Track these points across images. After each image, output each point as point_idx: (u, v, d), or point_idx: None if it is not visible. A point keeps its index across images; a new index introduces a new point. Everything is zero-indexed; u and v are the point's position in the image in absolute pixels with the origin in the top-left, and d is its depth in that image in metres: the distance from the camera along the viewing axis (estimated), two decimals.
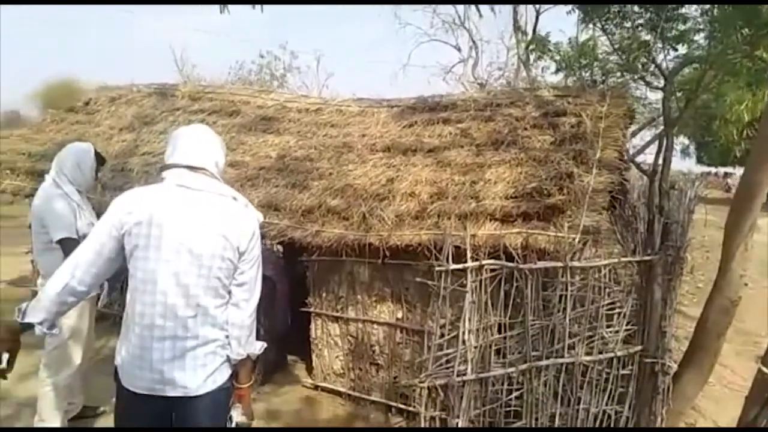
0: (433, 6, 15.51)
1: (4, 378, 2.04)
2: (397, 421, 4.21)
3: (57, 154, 3.52)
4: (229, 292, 2.07)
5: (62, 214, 3.29)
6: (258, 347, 2.18)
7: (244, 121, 5.93)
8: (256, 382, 4.49)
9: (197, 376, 2.00)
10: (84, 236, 3.32)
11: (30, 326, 1.99)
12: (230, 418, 2.12)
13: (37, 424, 3.48)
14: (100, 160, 3.62)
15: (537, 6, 11.20)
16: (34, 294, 3.14)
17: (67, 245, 3.24)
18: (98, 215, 3.56)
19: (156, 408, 1.99)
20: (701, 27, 4.41)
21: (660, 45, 4.49)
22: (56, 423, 3.46)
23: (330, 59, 20.30)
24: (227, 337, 2.07)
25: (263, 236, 4.21)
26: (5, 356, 1.99)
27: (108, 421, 3.85)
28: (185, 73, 14.84)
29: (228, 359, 2.09)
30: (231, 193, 2.11)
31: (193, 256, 1.97)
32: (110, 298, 5.81)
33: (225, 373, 2.09)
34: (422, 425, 3.19)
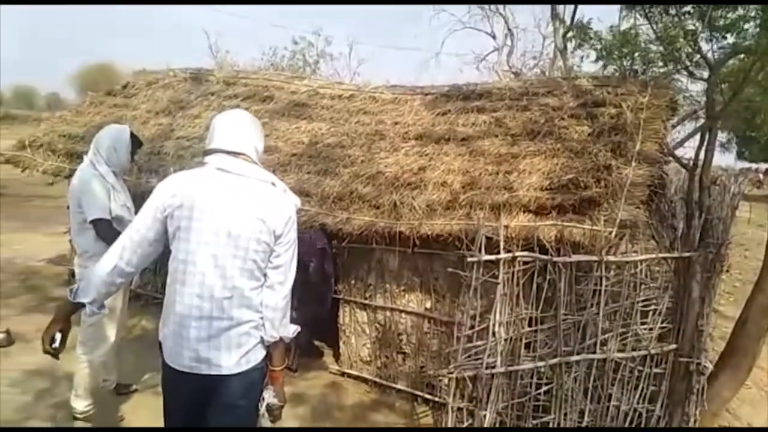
0: None
1: (57, 357, 2.14)
2: (423, 410, 4.21)
3: (95, 135, 3.58)
4: (265, 275, 2.11)
5: (97, 195, 3.36)
6: (291, 330, 2.22)
7: (277, 107, 5.96)
8: (293, 369, 4.57)
9: (231, 356, 2.06)
10: (117, 217, 3.39)
11: (81, 305, 2.09)
12: (262, 398, 2.17)
13: (74, 399, 3.58)
14: (136, 142, 3.67)
15: None
16: (72, 272, 3.19)
17: (100, 226, 3.31)
18: (133, 197, 3.65)
19: (193, 385, 2.07)
20: (752, 15, 4.22)
21: (707, 34, 4.31)
22: (91, 399, 3.56)
23: (363, 46, 20.23)
24: (261, 318, 2.12)
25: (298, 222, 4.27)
26: (58, 336, 2.10)
27: (140, 399, 3.95)
28: (219, 59, 14.97)
29: (262, 340, 2.13)
30: (270, 179, 2.15)
31: (230, 239, 2.02)
32: (143, 280, 5.98)
33: (259, 354, 2.14)
34: (449, 416, 3.18)
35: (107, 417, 3.68)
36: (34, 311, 5.49)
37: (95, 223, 3.32)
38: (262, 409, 2.17)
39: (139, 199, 2.97)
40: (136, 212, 2.26)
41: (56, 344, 2.11)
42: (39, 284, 6.37)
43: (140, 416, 3.71)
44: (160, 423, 2.36)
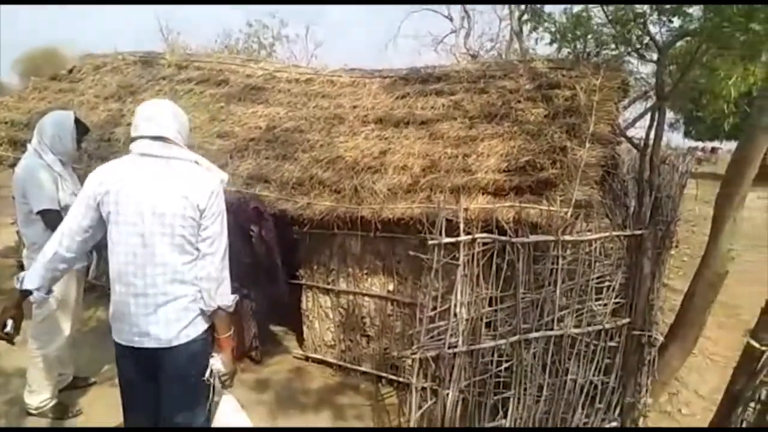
0: None
1: (12, 343, 2.29)
2: (387, 391, 4.26)
3: (38, 123, 3.42)
4: (197, 249, 2.24)
5: (43, 185, 3.22)
6: (230, 299, 2.32)
7: (233, 91, 5.83)
8: (256, 359, 4.53)
9: (170, 329, 2.21)
10: (66, 207, 3.27)
11: (29, 293, 2.26)
12: (210, 367, 2.31)
13: (28, 395, 3.48)
14: (82, 128, 3.51)
15: None
16: (21, 264, 3.14)
17: (48, 216, 3.18)
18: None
19: (139, 358, 2.25)
20: None
21: (655, 17, 4.43)
22: (47, 394, 3.46)
23: (319, 28, 19.91)
24: (199, 291, 2.25)
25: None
26: (10, 322, 2.27)
27: (98, 392, 3.86)
28: (171, 41, 14.46)
29: (202, 312, 2.27)
30: (192, 158, 2.30)
31: (156, 217, 2.16)
32: (98, 270, 5.79)
33: (200, 327, 2.28)
34: (413, 395, 3.23)
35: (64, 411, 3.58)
36: None
37: (43, 213, 3.20)
38: (208, 376, 2.30)
39: None
40: None
41: (8, 329, 2.25)
42: None
43: (98, 409, 3.63)
44: (118, 415, 2.36)
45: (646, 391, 3.86)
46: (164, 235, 2.17)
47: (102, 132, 5.46)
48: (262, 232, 4.31)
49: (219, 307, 2.28)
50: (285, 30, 16.39)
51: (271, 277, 4.43)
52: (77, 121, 3.45)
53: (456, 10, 15.94)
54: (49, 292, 2.32)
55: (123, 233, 2.18)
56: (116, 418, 2.79)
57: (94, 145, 5.24)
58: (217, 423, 2.87)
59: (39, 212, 3.20)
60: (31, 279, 2.25)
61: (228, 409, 2.81)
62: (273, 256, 4.41)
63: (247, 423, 2.93)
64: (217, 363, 2.32)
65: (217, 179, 2.31)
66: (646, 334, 3.75)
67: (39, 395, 3.47)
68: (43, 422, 3.45)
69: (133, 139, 2.27)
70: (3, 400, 3.69)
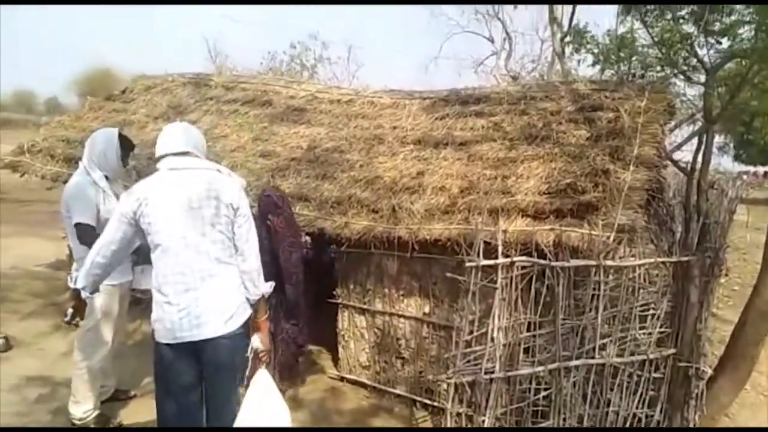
0: None
1: (76, 325, 2.99)
2: (422, 415, 4.20)
3: (87, 141, 3.58)
4: (234, 246, 2.51)
5: (84, 200, 3.35)
6: (268, 287, 2.61)
7: (276, 112, 5.97)
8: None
9: (216, 320, 2.44)
10: (107, 221, 3.39)
11: (79, 291, 2.60)
12: (250, 344, 2.56)
13: (72, 405, 3.58)
14: (127, 144, 3.64)
15: None
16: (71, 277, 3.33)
17: (82, 230, 3.29)
18: None
19: (185, 353, 2.45)
20: (747, 20, 4.23)
21: (703, 38, 4.33)
22: (90, 405, 3.55)
23: (360, 50, 20.24)
24: (243, 284, 2.53)
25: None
26: (70, 311, 2.75)
27: (138, 405, 3.94)
28: (218, 64, 14.98)
29: (246, 301, 2.54)
30: (215, 167, 2.58)
31: (194, 219, 2.42)
32: (143, 283, 5.97)
33: (242, 316, 2.53)
34: (448, 421, 3.17)
35: (106, 422, 3.66)
36: (33, 316, 5.49)
37: (77, 226, 3.31)
38: (249, 352, 2.54)
39: None
40: None
41: (67, 318, 2.79)
42: (38, 289, 6.36)
43: (138, 422, 3.70)
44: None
45: (694, 426, 3.69)
46: (204, 235, 2.43)
47: (151, 150, 5.63)
48: (277, 221, 4.12)
49: (263, 294, 2.57)
50: (326, 52, 16.74)
51: (286, 274, 4.20)
52: (122, 137, 3.59)
53: (497, 31, 15.98)
54: (94, 291, 2.65)
55: (166, 237, 2.42)
56: None
57: (144, 162, 5.43)
58: (251, 395, 3.25)
59: (75, 225, 3.32)
60: (79, 280, 2.59)
61: (263, 383, 3.19)
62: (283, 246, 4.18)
63: (278, 396, 3.18)
64: (256, 341, 2.58)
65: (239, 183, 2.62)
66: (693, 365, 3.59)
67: (82, 406, 3.57)
68: None
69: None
70: (51, 409, 3.81)
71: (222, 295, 2.47)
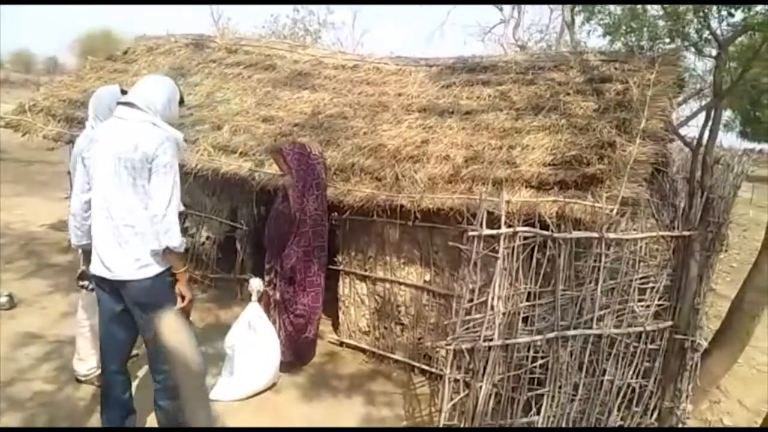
0: None
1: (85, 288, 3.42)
2: (420, 380, 4.27)
3: (90, 100, 3.54)
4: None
5: None
6: (177, 242, 2.66)
7: (279, 76, 5.90)
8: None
9: (128, 265, 2.64)
10: None
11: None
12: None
13: (76, 363, 3.64)
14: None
15: None
16: None
17: None
18: None
19: (107, 286, 2.73)
20: None
21: (715, 11, 4.24)
22: (93, 362, 3.61)
23: (365, 15, 19.84)
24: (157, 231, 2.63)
25: None
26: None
27: (141, 362, 4.00)
28: (221, 26, 14.73)
29: (159, 253, 2.66)
30: (151, 120, 2.68)
31: (120, 169, 2.59)
32: None
33: (159, 265, 2.68)
34: (446, 387, 3.22)
35: None
36: (33, 276, 5.54)
37: None
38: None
39: None
40: None
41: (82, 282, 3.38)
42: (38, 249, 6.40)
43: (140, 380, 3.76)
44: None
45: (686, 397, 3.75)
46: (128, 185, 2.59)
47: None
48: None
49: (168, 248, 2.64)
50: (331, 17, 16.47)
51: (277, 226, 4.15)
52: (123, 92, 3.55)
53: None
54: (83, 246, 3.00)
55: (96, 183, 2.67)
56: None
57: None
58: (243, 320, 3.82)
59: None
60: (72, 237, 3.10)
61: (254, 314, 3.84)
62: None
63: (270, 325, 3.90)
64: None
65: (168, 135, 2.67)
66: (690, 338, 3.63)
67: (86, 363, 3.64)
68: (90, 389, 3.60)
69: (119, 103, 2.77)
70: (55, 366, 3.87)
71: (137, 244, 2.63)
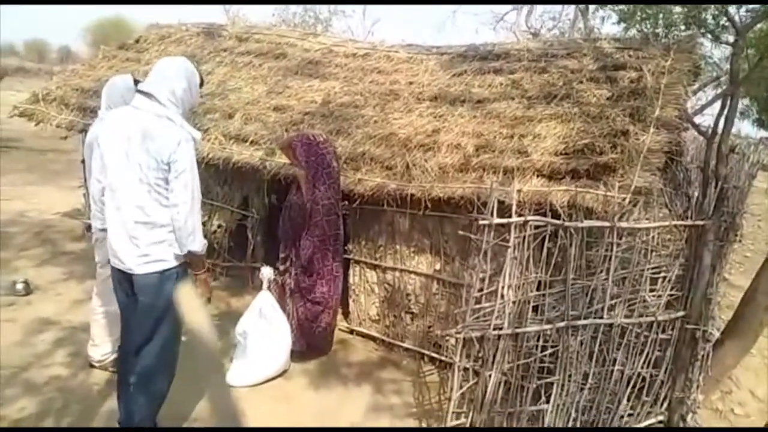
0: None
1: None
2: (429, 369, 4.29)
3: (103, 89, 3.57)
4: (167, 197, 2.59)
5: None
6: (200, 246, 2.69)
7: (290, 65, 5.89)
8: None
9: (137, 259, 2.62)
10: None
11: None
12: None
13: (91, 348, 3.70)
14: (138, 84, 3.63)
15: None
16: (88, 226, 3.50)
17: None
18: None
19: (120, 274, 2.73)
20: None
21: None
22: (108, 348, 3.67)
23: (376, 4, 19.64)
24: (171, 233, 2.62)
25: None
26: None
27: None
28: (232, 14, 14.70)
29: (167, 251, 2.65)
30: (167, 114, 2.59)
31: (131, 163, 2.54)
32: None
33: (164, 263, 2.66)
34: (455, 375, 3.23)
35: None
36: (48, 264, 5.61)
37: None
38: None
39: None
40: None
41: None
42: (53, 237, 6.49)
43: None
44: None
45: (697, 387, 3.73)
46: (139, 180, 2.54)
47: None
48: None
49: (190, 251, 2.65)
50: (341, 5, 16.37)
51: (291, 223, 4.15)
52: (136, 81, 3.57)
53: None
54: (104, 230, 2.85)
55: (109, 173, 2.62)
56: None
57: None
58: (254, 308, 3.88)
59: None
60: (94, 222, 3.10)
61: (265, 302, 3.89)
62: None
63: (281, 313, 3.94)
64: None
65: (185, 134, 2.59)
66: (701, 328, 3.60)
67: (101, 349, 3.69)
68: (104, 375, 3.66)
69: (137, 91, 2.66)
70: (69, 351, 3.94)
71: (147, 239, 2.60)
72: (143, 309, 2.71)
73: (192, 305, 2.55)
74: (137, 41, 7.11)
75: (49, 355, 3.88)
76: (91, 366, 3.73)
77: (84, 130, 5.52)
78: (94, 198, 3.01)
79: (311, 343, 4.24)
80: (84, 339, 3.85)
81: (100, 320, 3.66)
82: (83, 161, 3.61)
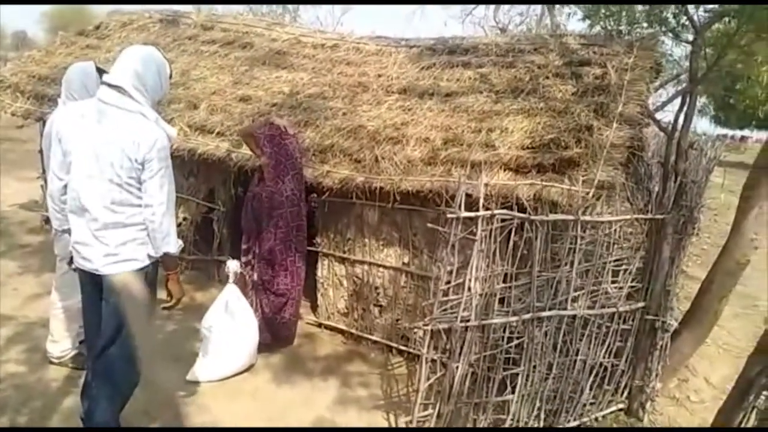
0: None
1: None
2: (397, 361, 4.31)
3: (63, 76, 3.44)
4: (139, 197, 2.50)
5: None
6: (175, 247, 2.63)
7: (257, 55, 5.80)
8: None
9: (105, 258, 2.51)
10: None
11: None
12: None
13: (50, 345, 3.59)
14: (104, 75, 3.52)
15: None
16: (47, 219, 3.36)
17: None
18: None
19: (86, 277, 2.63)
20: None
21: None
22: (68, 344, 3.56)
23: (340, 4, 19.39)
24: (143, 230, 2.54)
25: None
26: None
27: None
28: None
29: (144, 247, 2.57)
30: (139, 110, 2.46)
31: (98, 163, 2.41)
32: None
33: (133, 263, 2.55)
34: (423, 366, 3.26)
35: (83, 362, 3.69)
36: (3, 257, 5.41)
37: None
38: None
39: None
40: None
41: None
42: (9, 230, 6.25)
43: None
44: None
45: (656, 375, 3.86)
46: (107, 182, 2.42)
47: None
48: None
49: (165, 253, 2.59)
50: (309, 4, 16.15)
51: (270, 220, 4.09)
52: (99, 69, 3.46)
53: None
54: (65, 231, 2.75)
55: (74, 171, 2.48)
56: None
57: None
58: (220, 301, 3.78)
59: None
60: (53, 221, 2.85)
61: (231, 295, 3.80)
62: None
63: (248, 307, 3.88)
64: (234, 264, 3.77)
65: (161, 134, 2.48)
66: (660, 319, 3.73)
67: (60, 345, 3.58)
68: (64, 371, 3.55)
69: (102, 83, 2.50)
70: (27, 347, 3.81)
71: (113, 240, 2.49)
72: (110, 310, 2.59)
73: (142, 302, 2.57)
74: (98, 27, 6.89)
75: (5, 351, 3.75)
76: (50, 362, 3.62)
77: (42, 119, 5.33)
78: (52, 196, 2.83)
79: (276, 335, 4.22)
80: (42, 335, 3.73)
81: (59, 315, 3.54)
82: (41, 151, 3.47)
